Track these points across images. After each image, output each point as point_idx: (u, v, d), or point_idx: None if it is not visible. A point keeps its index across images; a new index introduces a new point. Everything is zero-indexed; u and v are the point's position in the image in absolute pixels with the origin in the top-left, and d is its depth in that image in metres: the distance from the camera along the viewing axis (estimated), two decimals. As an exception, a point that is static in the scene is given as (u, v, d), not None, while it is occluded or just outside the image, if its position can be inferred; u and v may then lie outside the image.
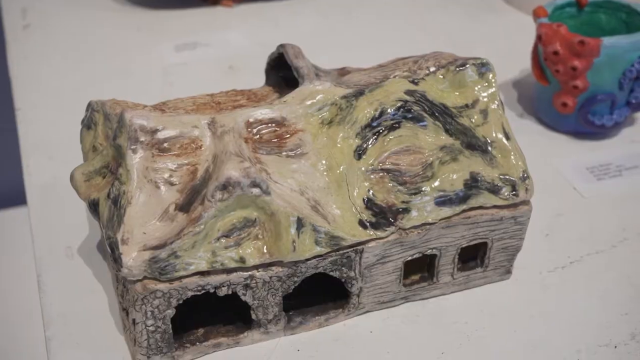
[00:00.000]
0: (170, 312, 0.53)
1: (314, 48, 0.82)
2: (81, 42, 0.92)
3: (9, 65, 0.87)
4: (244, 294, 0.54)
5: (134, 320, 0.53)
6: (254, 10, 0.99)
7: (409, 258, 0.58)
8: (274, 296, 0.55)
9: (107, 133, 0.57)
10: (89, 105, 0.60)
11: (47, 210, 0.68)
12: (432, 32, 0.96)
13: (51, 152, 0.74)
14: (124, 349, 0.57)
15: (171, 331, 0.54)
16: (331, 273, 0.56)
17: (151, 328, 0.53)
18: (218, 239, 0.52)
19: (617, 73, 0.73)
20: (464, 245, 0.59)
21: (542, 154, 0.76)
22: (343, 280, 0.57)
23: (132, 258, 0.51)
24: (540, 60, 0.76)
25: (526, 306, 0.61)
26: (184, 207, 0.52)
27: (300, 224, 0.52)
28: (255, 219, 0.53)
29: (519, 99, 0.83)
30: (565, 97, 0.75)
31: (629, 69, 0.73)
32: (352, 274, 0.56)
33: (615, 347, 0.58)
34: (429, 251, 0.58)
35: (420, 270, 0.61)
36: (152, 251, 0.51)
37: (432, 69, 0.60)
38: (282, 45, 0.63)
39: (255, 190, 0.51)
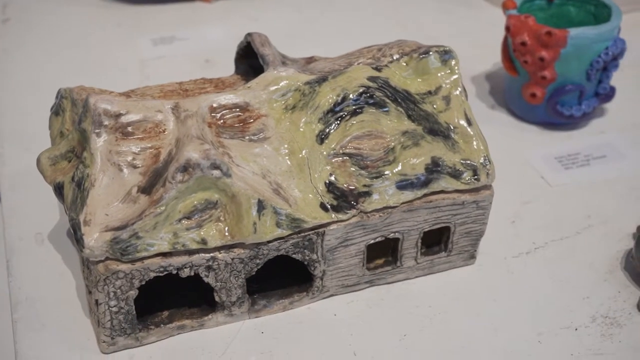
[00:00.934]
0: (133, 293, 0.54)
1: (291, 43, 0.83)
2: (60, 37, 0.93)
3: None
4: (207, 276, 0.55)
5: (96, 300, 0.54)
6: (232, 7, 1.00)
7: (372, 241, 0.58)
8: (236, 278, 0.56)
9: (74, 119, 0.58)
10: (58, 92, 0.61)
11: (19, 198, 0.69)
12: (407, 26, 0.96)
13: (26, 143, 0.75)
14: (89, 331, 0.57)
15: (134, 312, 0.55)
16: (293, 256, 0.56)
17: (114, 309, 0.54)
18: (179, 220, 0.53)
19: (584, 64, 0.74)
20: (426, 230, 0.60)
21: (512, 144, 0.77)
22: (306, 263, 0.57)
23: (94, 239, 0.51)
24: (510, 51, 0.77)
25: (489, 290, 0.62)
26: (147, 189, 0.53)
27: (261, 206, 0.53)
28: (217, 201, 0.53)
29: (490, 91, 0.84)
30: (534, 88, 0.76)
31: (595, 59, 0.74)
32: (314, 256, 0.57)
33: (576, 329, 0.59)
34: (391, 235, 0.59)
35: (384, 254, 0.61)
36: (113, 232, 0.52)
37: (396, 56, 0.61)
38: (249, 34, 0.64)
39: (216, 172, 0.52)
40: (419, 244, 0.60)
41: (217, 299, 0.57)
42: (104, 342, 0.55)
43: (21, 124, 0.78)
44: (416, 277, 0.62)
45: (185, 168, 0.51)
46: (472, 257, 0.63)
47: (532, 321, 0.59)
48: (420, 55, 0.61)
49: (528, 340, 0.58)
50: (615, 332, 0.58)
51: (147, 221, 0.52)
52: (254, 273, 0.56)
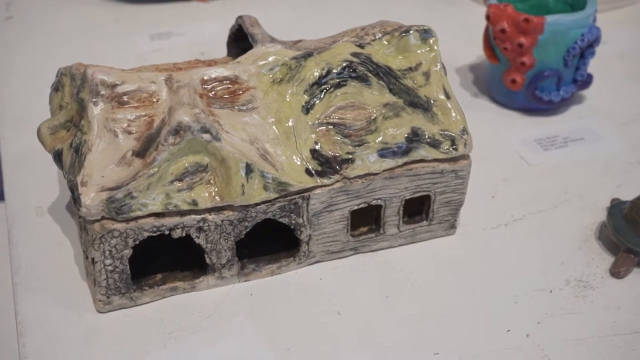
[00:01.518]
0: (128, 252, 0.57)
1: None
2: (61, 33, 0.96)
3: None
4: (198, 237, 0.58)
5: (93, 259, 0.56)
6: (227, 6, 1.04)
7: (355, 207, 0.61)
8: (226, 240, 0.59)
9: (73, 92, 0.61)
10: (58, 71, 0.64)
11: (20, 175, 0.72)
12: (397, 25, 1.00)
13: (27, 126, 0.78)
14: (86, 294, 0.60)
15: (129, 272, 0.58)
16: (280, 219, 0.59)
17: (109, 267, 0.57)
18: (172, 182, 0.56)
19: (561, 50, 0.78)
20: (407, 197, 0.63)
21: (494, 128, 0.80)
22: (292, 227, 0.60)
23: (90, 198, 0.54)
24: (491, 40, 0.80)
25: (468, 258, 0.65)
26: (141, 153, 0.56)
27: (249, 169, 0.56)
28: (207, 165, 0.56)
29: (474, 81, 0.87)
30: (514, 74, 0.79)
31: (572, 45, 0.77)
32: (300, 220, 0.60)
33: (551, 291, 0.62)
34: (374, 201, 0.62)
35: (368, 223, 0.64)
36: (109, 192, 0.55)
37: (378, 35, 0.65)
38: (240, 17, 0.67)
39: (206, 136, 0.55)
40: (401, 212, 0.63)
41: (207, 261, 0.59)
42: (100, 301, 0.58)
43: (23, 110, 0.81)
44: (399, 245, 0.65)
45: (177, 131, 0.55)
46: (453, 227, 0.66)
47: (508, 285, 0.62)
48: (402, 34, 0.64)
49: (504, 301, 0.61)
50: (587, 294, 0.61)
51: (140, 182, 0.55)
52: (242, 236, 0.59)
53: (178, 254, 0.62)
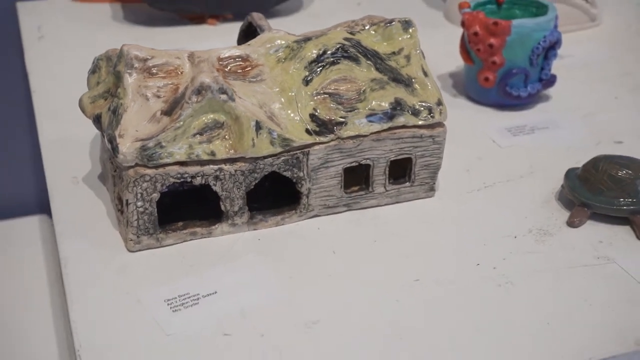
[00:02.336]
0: (156, 196, 0.67)
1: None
2: (85, 51, 1.08)
3: (27, 64, 1.03)
4: (214, 185, 0.68)
5: (127, 200, 0.67)
6: (235, 28, 1.16)
7: (347, 165, 0.72)
8: (238, 189, 0.69)
9: (109, 70, 0.73)
10: (94, 58, 0.75)
11: (57, 151, 0.83)
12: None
13: (60, 119, 0.90)
14: (117, 240, 0.70)
15: (156, 215, 0.68)
16: (284, 173, 0.70)
17: (140, 209, 0.67)
18: (194, 135, 0.67)
19: (527, 50, 0.89)
20: (392, 159, 0.73)
21: (470, 121, 0.91)
22: (294, 180, 0.71)
23: (127, 147, 0.65)
24: (466, 44, 0.92)
25: (445, 214, 0.75)
26: (168, 112, 0.67)
27: (258, 126, 0.67)
28: (224, 122, 0.67)
29: (453, 85, 0.99)
30: (487, 73, 0.91)
31: (536, 46, 0.89)
32: (301, 174, 0.71)
33: (515, 237, 0.72)
34: (363, 161, 0.72)
35: (359, 183, 0.75)
36: (142, 142, 0.65)
37: (367, 26, 0.76)
38: (249, 14, 0.79)
39: (223, 96, 0.66)
40: (387, 172, 0.74)
41: (222, 208, 0.70)
42: (131, 240, 0.68)
43: (56, 105, 0.92)
44: (386, 204, 0.76)
45: (199, 91, 0.66)
46: (432, 189, 0.77)
47: (479, 233, 0.72)
48: (386, 24, 0.76)
49: (475, 243, 0.71)
50: (547, 239, 0.72)
51: (168, 134, 0.66)
52: (252, 187, 0.70)
53: (196, 210, 0.72)
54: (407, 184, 0.76)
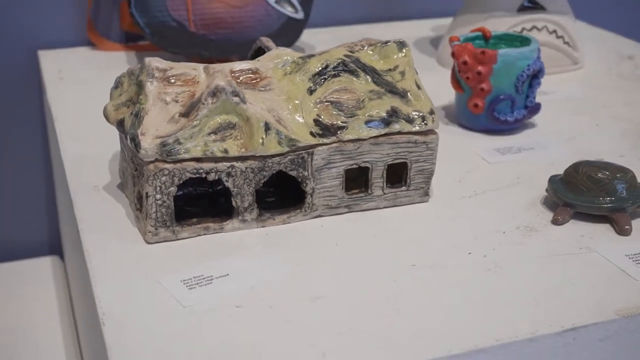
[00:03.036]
0: (173, 190, 0.74)
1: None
2: (102, 87, 1.16)
3: (48, 98, 1.11)
4: (227, 181, 0.75)
5: (146, 193, 0.73)
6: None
7: (348, 167, 0.79)
8: (248, 186, 0.76)
9: (131, 82, 0.80)
10: (117, 77, 0.83)
11: (79, 166, 0.90)
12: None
13: (79, 139, 0.97)
14: (136, 233, 0.76)
15: (173, 208, 0.74)
16: (290, 172, 0.77)
17: (159, 202, 0.73)
18: (209, 134, 0.73)
19: (512, 77, 0.97)
20: (389, 162, 0.80)
21: (461, 143, 0.98)
22: (299, 179, 0.77)
23: (148, 143, 0.72)
24: (456, 73, 1.00)
25: (438, 215, 0.81)
26: (185, 114, 0.74)
27: (267, 127, 0.74)
28: (236, 124, 0.74)
29: (445, 116, 1.06)
30: (476, 99, 0.99)
31: (520, 74, 0.97)
32: (305, 173, 0.77)
33: (504, 232, 0.78)
34: (363, 163, 0.79)
35: (359, 187, 0.81)
36: (162, 139, 0.72)
37: (365, 47, 0.84)
38: (259, 39, 0.87)
39: (236, 99, 0.73)
40: (385, 176, 0.80)
41: (233, 203, 0.76)
42: (149, 232, 0.74)
43: (75, 129, 1.00)
44: (384, 207, 0.82)
45: (214, 93, 0.73)
46: (426, 194, 0.83)
47: (470, 229, 0.78)
48: (382, 45, 0.84)
49: (466, 237, 0.77)
50: (533, 234, 0.78)
51: (186, 131, 0.72)
52: (261, 185, 0.76)
53: (208, 211, 0.79)
54: (404, 187, 0.82)
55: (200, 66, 0.78)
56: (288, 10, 1.24)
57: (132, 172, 0.78)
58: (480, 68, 0.97)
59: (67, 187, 0.87)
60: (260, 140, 0.74)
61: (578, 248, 0.75)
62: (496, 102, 0.98)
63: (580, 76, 1.23)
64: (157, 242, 0.75)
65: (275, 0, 1.23)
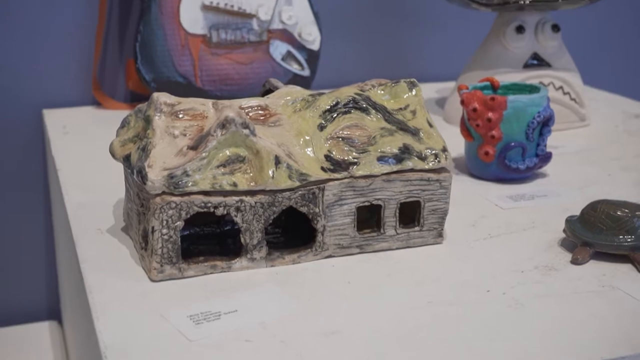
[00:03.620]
0: (180, 224, 0.71)
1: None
2: (105, 142, 1.15)
3: (53, 152, 1.09)
4: (236, 216, 0.72)
5: (152, 227, 0.71)
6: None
7: (360, 204, 0.76)
8: (258, 222, 0.73)
9: (139, 117, 0.78)
10: (124, 118, 0.81)
11: (82, 211, 0.87)
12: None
13: (84, 188, 0.95)
14: (140, 272, 0.73)
15: (180, 244, 0.72)
16: (301, 209, 0.74)
17: (165, 237, 0.71)
18: (217, 167, 0.72)
19: (523, 124, 0.96)
20: (402, 201, 0.78)
21: (473, 192, 0.96)
22: (310, 216, 0.75)
23: (155, 174, 0.70)
24: (465, 121, 0.99)
25: (453, 256, 0.79)
26: (194, 147, 0.72)
27: (277, 160, 0.72)
28: (245, 157, 0.72)
29: (455, 167, 1.05)
30: (487, 147, 0.97)
31: (531, 120, 0.96)
32: (317, 209, 0.75)
33: (522, 271, 0.75)
34: (375, 201, 0.77)
35: (371, 227, 0.79)
36: (169, 171, 0.70)
37: (375, 86, 0.83)
38: (267, 81, 0.86)
39: (245, 131, 0.72)
40: (397, 214, 0.78)
41: (242, 240, 0.73)
42: (155, 269, 0.71)
43: (80, 179, 0.98)
44: (397, 248, 0.79)
45: (224, 124, 0.71)
46: (440, 235, 0.81)
47: (487, 269, 0.76)
48: (393, 84, 0.83)
49: (483, 277, 0.74)
50: (552, 274, 0.75)
51: (194, 163, 0.71)
52: (270, 221, 0.74)
53: (215, 250, 0.76)
54: (417, 228, 0.80)
55: (209, 102, 0.77)
56: (294, 68, 1.24)
57: (138, 209, 0.76)
58: (490, 115, 0.96)
59: (69, 231, 0.84)
60: (271, 174, 0.72)
61: (600, 286, 0.72)
62: (507, 149, 0.97)
63: (587, 132, 1.22)
64: (162, 280, 0.72)
65: (281, 57, 1.23)
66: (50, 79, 1.29)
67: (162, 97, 0.75)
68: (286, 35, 1.23)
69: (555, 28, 1.21)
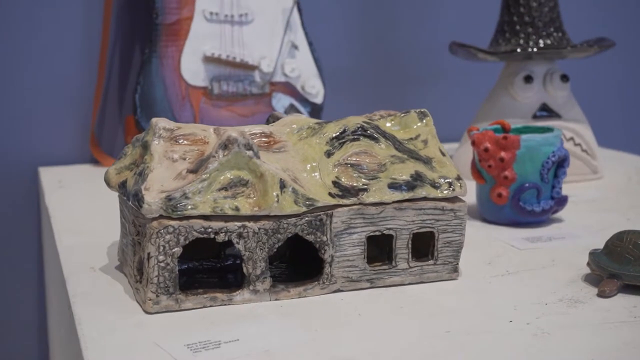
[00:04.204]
0: (178, 251, 0.66)
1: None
2: (103, 198, 1.10)
3: (47, 204, 1.05)
4: (238, 243, 0.68)
5: (148, 254, 0.66)
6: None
7: (371, 233, 0.72)
8: (261, 250, 0.68)
9: (135, 145, 0.74)
10: (122, 151, 0.78)
11: (74, 253, 0.82)
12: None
13: (76, 232, 0.90)
14: (135, 306, 0.68)
15: (177, 272, 0.66)
16: (307, 237, 0.70)
17: (162, 264, 0.66)
18: (219, 190, 0.67)
19: (537, 165, 0.92)
20: (415, 231, 0.73)
21: (487, 236, 0.91)
22: (317, 245, 0.70)
23: (152, 197, 0.65)
24: (476, 163, 0.95)
25: (470, 289, 0.73)
26: (193, 171, 0.68)
27: (283, 184, 0.68)
28: (248, 181, 0.68)
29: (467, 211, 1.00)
30: (500, 189, 0.93)
31: (545, 160, 0.92)
32: (324, 238, 0.70)
33: (546, 304, 0.70)
34: (386, 230, 0.72)
35: (382, 260, 0.74)
36: (168, 192, 0.66)
37: (384, 116, 0.80)
38: (271, 115, 0.83)
39: (249, 153, 0.68)
40: (410, 246, 0.73)
41: (244, 270, 0.68)
42: (150, 299, 0.66)
43: (74, 227, 0.93)
44: (409, 283, 0.74)
45: (226, 145, 0.67)
46: (455, 270, 0.76)
47: (508, 301, 0.70)
48: (403, 114, 0.79)
49: (505, 308, 0.69)
50: (579, 305, 0.69)
51: (194, 185, 0.66)
52: (275, 249, 0.69)
53: (216, 284, 0.71)
54: (431, 261, 0.75)
55: (210, 127, 0.73)
56: (297, 121, 1.21)
57: (133, 239, 0.71)
58: (502, 154, 0.92)
59: (60, 271, 0.79)
60: (275, 198, 0.67)
61: (632, 317, 0.67)
62: (521, 191, 0.93)
63: (600, 184, 1.18)
64: (158, 313, 0.67)
65: (284, 110, 1.20)
66: (47, 136, 1.26)
67: (161, 122, 0.72)
68: (289, 88, 1.21)
69: (565, 78, 1.18)
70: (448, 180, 0.74)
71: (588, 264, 0.75)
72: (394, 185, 0.72)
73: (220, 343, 0.61)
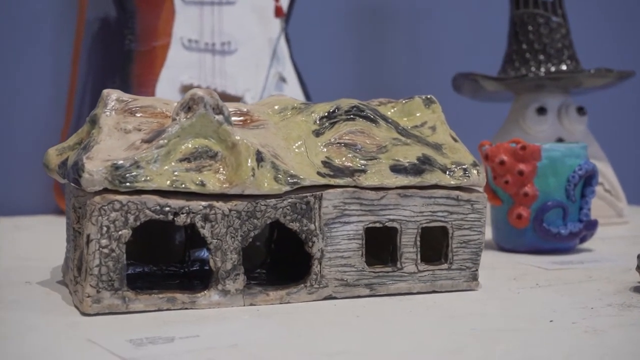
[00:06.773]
0: (126, 233, 0.52)
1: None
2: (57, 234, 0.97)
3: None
4: (203, 227, 0.54)
5: (88, 236, 0.52)
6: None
7: (370, 224, 0.58)
8: (232, 238, 0.54)
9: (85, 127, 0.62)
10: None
11: (10, 272, 0.68)
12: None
13: (17, 258, 0.76)
14: (72, 309, 0.54)
15: (125, 262, 0.52)
16: (291, 224, 0.56)
17: (105, 250, 0.52)
18: (180, 160, 0.54)
19: (561, 179, 0.79)
20: (424, 225, 0.59)
21: (506, 262, 0.77)
22: (303, 236, 0.56)
23: (94, 165, 0.52)
24: (490, 181, 0.82)
25: (494, 297, 0.59)
26: (149, 140, 0.55)
27: (260, 157, 0.55)
28: (217, 153, 0.55)
29: (480, 245, 0.86)
30: (519, 209, 0.79)
31: (571, 175, 0.79)
32: (312, 226, 0.56)
33: (592, 308, 0.55)
34: (388, 222, 0.58)
35: (385, 262, 0.60)
36: (114, 160, 0.52)
37: (384, 103, 0.67)
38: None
39: (219, 117, 0.55)
40: (418, 243, 0.59)
41: (211, 264, 0.54)
42: (89, 296, 0.52)
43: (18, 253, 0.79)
44: (418, 292, 0.60)
45: (190, 107, 0.55)
46: (475, 278, 0.61)
47: (544, 306, 0.56)
48: (406, 100, 0.67)
49: (543, 312, 0.54)
50: (632, 310, 0.55)
51: (148, 153, 0.53)
52: (250, 239, 0.55)
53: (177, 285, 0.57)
54: (444, 265, 0.60)
55: (174, 102, 0.60)
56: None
57: (74, 228, 0.57)
58: (522, 167, 0.79)
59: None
60: (251, 172, 0.54)
61: (703, 318, 0.53)
62: (544, 210, 0.79)
63: (627, 229, 1.04)
64: (98, 314, 0.52)
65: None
66: (7, 184, 1.13)
67: (114, 93, 0.59)
68: (276, 125, 1.09)
69: (581, 111, 1.07)
70: (463, 166, 0.61)
71: (637, 268, 0.61)
72: (397, 168, 0.59)
73: (174, 338, 0.46)
